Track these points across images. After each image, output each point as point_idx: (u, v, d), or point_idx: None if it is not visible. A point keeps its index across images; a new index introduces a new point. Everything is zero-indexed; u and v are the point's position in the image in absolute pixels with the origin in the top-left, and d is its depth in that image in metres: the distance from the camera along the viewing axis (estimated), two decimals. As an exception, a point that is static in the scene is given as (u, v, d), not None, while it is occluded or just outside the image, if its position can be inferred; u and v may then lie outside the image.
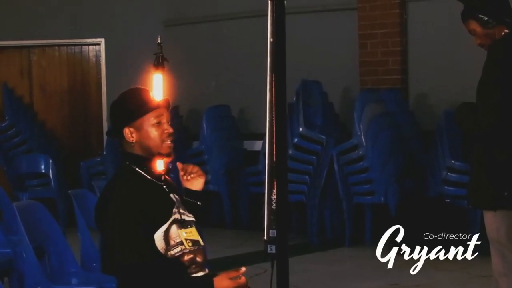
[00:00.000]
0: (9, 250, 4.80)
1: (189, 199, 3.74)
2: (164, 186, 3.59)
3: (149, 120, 3.54)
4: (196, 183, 3.79)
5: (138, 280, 3.40)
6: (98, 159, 10.36)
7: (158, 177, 3.59)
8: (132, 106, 3.55)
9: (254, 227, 7.70)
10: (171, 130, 3.58)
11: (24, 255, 4.61)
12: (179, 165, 3.80)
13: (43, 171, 9.81)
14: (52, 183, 9.72)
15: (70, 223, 7.18)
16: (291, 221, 8.85)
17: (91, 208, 5.38)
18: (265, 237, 2.84)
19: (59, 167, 10.06)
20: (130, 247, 3.38)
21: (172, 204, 3.56)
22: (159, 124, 3.55)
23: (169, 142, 3.57)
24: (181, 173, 3.78)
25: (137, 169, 3.55)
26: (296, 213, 8.97)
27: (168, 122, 3.59)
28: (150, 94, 3.61)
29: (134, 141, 3.54)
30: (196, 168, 3.79)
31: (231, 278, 3.39)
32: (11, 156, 10.37)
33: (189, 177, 3.78)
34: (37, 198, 8.34)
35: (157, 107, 3.57)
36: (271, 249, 2.82)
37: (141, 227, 3.41)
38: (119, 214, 3.42)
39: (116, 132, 3.59)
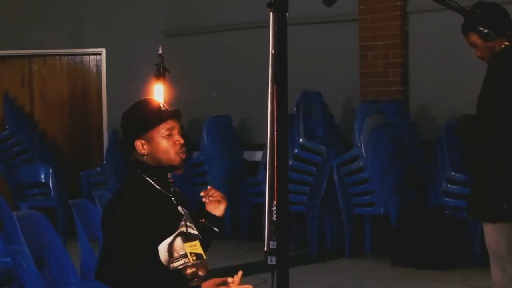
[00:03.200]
0: (9, 259, 4.81)
1: (208, 223, 3.73)
2: (173, 198, 3.59)
3: (160, 132, 3.53)
4: (217, 207, 3.77)
5: (130, 286, 3.40)
6: (98, 169, 10.36)
7: (167, 188, 3.59)
8: (142, 118, 3.54)
9: (255, 238, 7.69)
10: (182, 141, 3.56)
11: (24, 264, 4.61)
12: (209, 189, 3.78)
13: (43, 180, 9.81)
14: (52, 192, 9.72)
15: (70, 233, 7.18)
16: (291, 231, 8.83)
17: (91, 218, 5.39)
18: (265, 249, 2.83)
19: (59, 176, 10.06)
20: (129, 253, 3.38)
21: (179, 216, 3.56)
22: (170, 135, 3.54)
23: (181, 153, 3.57)
24: (202, 194, 3.76)
25: (147, 178, 3.55)
26: (296, 224, 8.96)
27: (179, 133, 3.58)
28: (161, 105, 3.60)
29: (145, 153, 3.54)
30: (217, 193, 3.75)
31: (217, 285, 3.42)
32: (12, 165, 10.38)
33: (207, 200, 3.76)
34: (37, 207, 8.35)
35: (168, 118, 3.55)
36: (271, 260, 2.81)
37: (144, 236, 3.41)
38: (124, 220, 3.42)
39: (127, 143, 3.59)
